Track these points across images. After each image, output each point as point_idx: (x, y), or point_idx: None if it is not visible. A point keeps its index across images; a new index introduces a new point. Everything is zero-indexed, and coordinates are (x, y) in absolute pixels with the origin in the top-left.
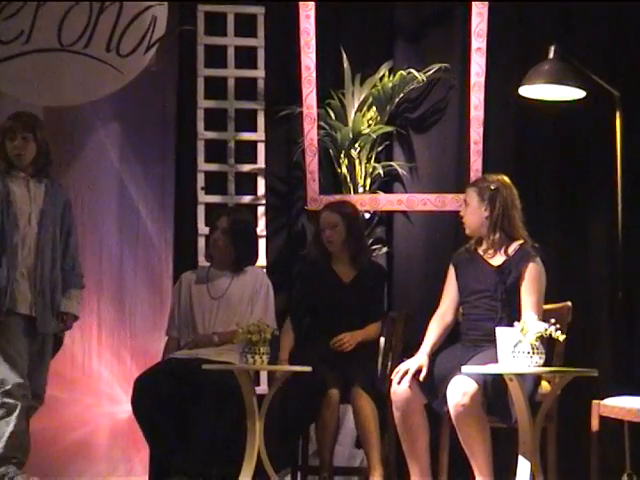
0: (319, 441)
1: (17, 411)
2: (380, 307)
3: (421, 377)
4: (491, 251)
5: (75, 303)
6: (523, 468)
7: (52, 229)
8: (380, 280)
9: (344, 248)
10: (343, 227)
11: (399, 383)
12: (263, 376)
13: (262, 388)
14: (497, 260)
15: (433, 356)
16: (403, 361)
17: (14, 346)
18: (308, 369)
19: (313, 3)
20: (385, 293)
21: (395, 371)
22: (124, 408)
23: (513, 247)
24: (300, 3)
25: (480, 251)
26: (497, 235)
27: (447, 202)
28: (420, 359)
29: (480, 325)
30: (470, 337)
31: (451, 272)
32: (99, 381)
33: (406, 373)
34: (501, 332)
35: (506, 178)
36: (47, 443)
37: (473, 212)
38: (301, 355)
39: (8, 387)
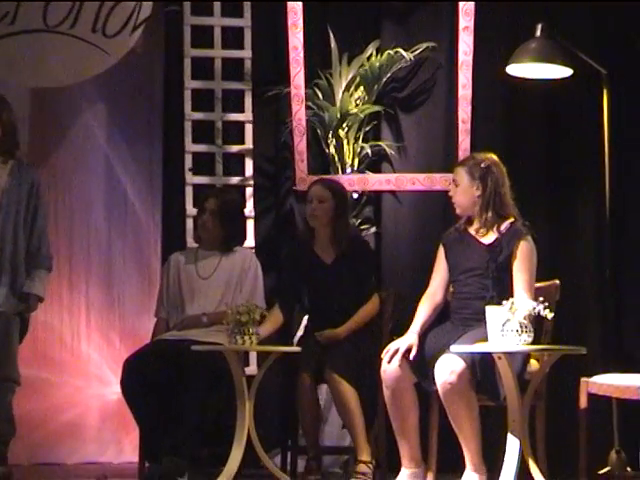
0: (301, 423)
1: None
2: (369, 285)
3: (411, 356)
4: (483, 230)
5: (39, 284)
6: (512, 446)
7: (15, 209)
8: (365, 257)
9: (328, 227)
10: (331, 204)
11: (389, 362)
12: (252, 357)
13: (252, 369)
14: (488, 238)
15: (423, 335)
16: (393, 340)
17: None
18: (297, 349)
19: None
20: (373, 268)
21: (385, 350)
22: (113, 390)
23: (504, 225)
24: None
25: (471, 230)
26: (489, 214)
27: (436, 181)
28: (410, 338)
29: (470, 304)
30: (460, 316)
31: (441, 252)
32: (88, 363)
33: (396, 352)
34: (490, 311)
35: (495, 157)
36: (36, 425)
37: (464, 191)
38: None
39: None
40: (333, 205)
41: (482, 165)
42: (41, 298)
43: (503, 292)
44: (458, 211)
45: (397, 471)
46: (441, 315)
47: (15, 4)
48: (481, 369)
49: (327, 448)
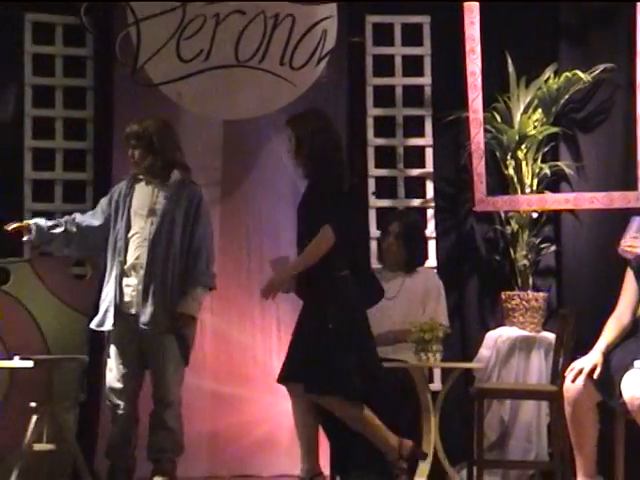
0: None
1: (112, 414)
2: (319, 215)
3: (595, 375)
4: None
5: (191, 303)
6: None
7: (168, 227)
8: (312, 192)
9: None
10: (293, 140)
11: (573, 381)
12: (436, 373)
13: (436, 385)
14: None
15: (607, 353)
16: (576, 358)
17: (116, 347)
18: (480, 365)
19: (478, 10)
20: (328, 199)
21: (569, 369)
22: None
23: None
24: (465, 10)
25: None
26: None
27: (615, 200)
28: (594, 357)
29: None
30: None
31: (629, 275)
32: None
33: (580, 372)
34: None
35: None
36: (234, 439)
37: None
38: None
39: (106, 391)
40: (295, 140)
41: None
42: (194, 318)
43: None
44: None
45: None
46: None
47: (209, 42)
48: None
49: (512, 462)
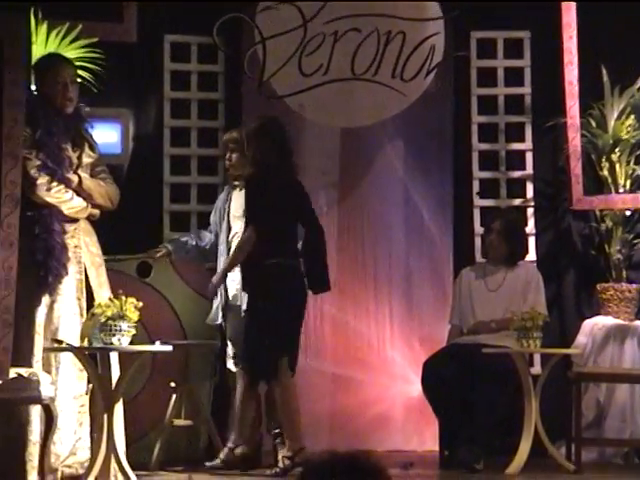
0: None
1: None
2: (247, 216)
3: None
4: None
5: None
6: None
7: None
8: (245, 193)
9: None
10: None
11: None
12: (537, 358)
13: (536, 369)
14: None
15: None
16: None
17: (230, 336)
18: (577, 351)
19: (575, 25)
20: (252, 200)
21: None
22: (415, 388)
23: None
24: (564, 26)
25: None
26: None
27: None
28: None
29: None
30: None
31: None
32: (393, 364)
33: None
34: None
35: None
36: (352, 417)
37: None
38: None
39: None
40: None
41: None
42: None
43: None
44: None
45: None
46: None
47: (328, 57)
48: None
49: (608, 440)
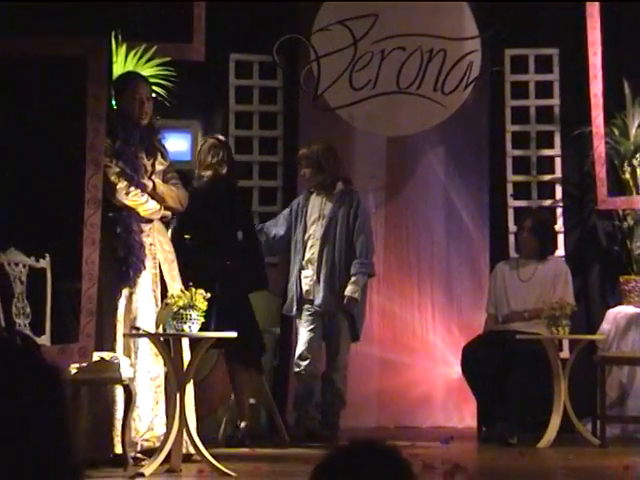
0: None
1: (298, 376)
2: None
3: None
4: None
5: (355, 287)
6: None
7: (335, 228)
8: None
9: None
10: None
11: None
12: (565, 344)
13: (564, 354)
14: None
15: None
16: None
17: (302, 325)
18: (602, 337)
19: (600, 43)
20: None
21: None
22: (455, 370)
23: None
24: (590, 43)
25: None
26: None
27: None
28: None
29: None
30: None
31: None
32: (434, 349)
33: None
34: None
35: None
36: (398, 397)
37: None
38: None
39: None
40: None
41: None
42: (356, 300)
43: None
44: None
45: None
46: None
47: (376, 73)
48: None
49: (633, 418)
